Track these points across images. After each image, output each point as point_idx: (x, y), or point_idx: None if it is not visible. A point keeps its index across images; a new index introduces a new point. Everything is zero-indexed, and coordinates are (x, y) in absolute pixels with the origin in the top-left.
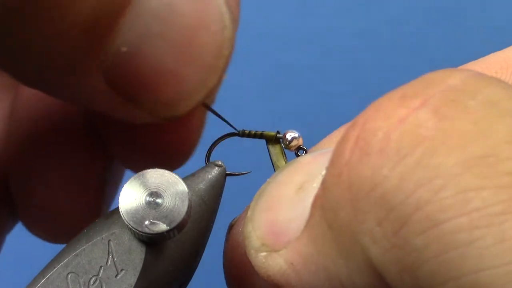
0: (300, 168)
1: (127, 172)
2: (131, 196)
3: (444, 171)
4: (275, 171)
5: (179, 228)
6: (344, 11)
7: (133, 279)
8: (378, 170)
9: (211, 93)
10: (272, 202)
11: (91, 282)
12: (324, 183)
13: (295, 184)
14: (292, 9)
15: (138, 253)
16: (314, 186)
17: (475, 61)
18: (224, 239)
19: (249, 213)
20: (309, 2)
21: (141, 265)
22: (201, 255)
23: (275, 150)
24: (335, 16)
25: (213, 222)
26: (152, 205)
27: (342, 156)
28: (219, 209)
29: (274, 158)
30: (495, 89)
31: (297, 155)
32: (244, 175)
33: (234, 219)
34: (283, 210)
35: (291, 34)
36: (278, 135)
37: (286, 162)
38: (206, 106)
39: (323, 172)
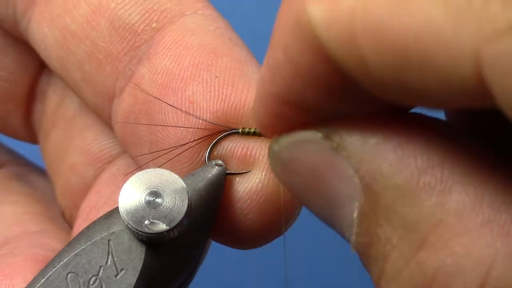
0: None
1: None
2: (130, 195)
3: None
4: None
5: (179, 227)
6: None
7: (133, 279)
8: None
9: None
10: None
11: (91, 282)
12: None
13: None
14: None
15: (138, 253)
16: None
17: None
18: None
19: None
20: None
21: (141, 265)
22: (202, 254)
23: None
24: None
25: (213, 221)
26: (151, 205)
27: None
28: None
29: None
30: None
31: None
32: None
33: None
34: None
35: None
36: None
37: None
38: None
39: None
